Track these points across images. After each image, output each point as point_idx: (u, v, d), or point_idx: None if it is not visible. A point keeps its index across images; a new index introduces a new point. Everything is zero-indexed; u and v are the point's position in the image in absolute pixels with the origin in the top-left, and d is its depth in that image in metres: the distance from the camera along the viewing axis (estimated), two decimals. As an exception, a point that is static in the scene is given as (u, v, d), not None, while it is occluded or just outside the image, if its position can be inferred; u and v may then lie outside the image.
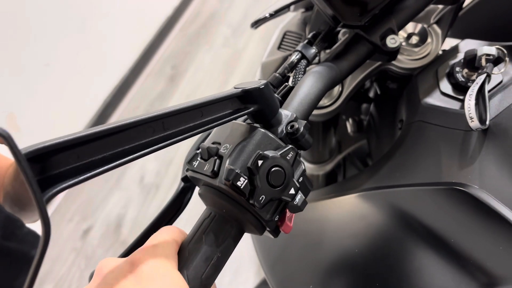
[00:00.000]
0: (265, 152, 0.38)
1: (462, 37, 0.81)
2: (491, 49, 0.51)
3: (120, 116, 2.33)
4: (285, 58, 0.71)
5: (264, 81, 0.40)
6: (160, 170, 2.03)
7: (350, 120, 0.90)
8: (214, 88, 2.32)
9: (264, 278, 0.77)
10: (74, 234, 1.89)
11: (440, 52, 0.66)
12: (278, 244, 0.60)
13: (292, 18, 0.80)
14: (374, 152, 0.82)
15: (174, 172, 2.02)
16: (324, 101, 0.65)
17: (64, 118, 2.07)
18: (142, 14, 2.51)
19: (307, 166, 0.90)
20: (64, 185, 0.30)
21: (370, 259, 0.50)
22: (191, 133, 0.37)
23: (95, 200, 1.98)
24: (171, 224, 0.49)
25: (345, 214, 0.56)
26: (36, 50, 1.86)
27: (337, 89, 0.65)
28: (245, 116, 0.41)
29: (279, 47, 0.74)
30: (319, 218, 0.58)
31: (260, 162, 0.37)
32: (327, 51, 0.63)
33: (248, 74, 2.35)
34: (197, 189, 0.46)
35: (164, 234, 0.40)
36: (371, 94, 0.82)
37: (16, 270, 0.67)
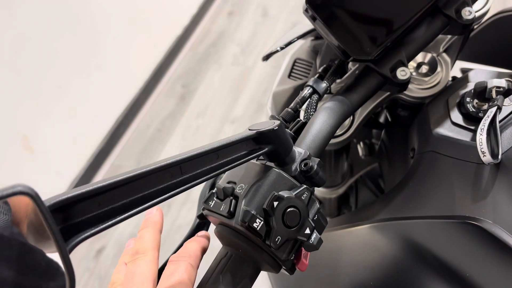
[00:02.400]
0: (280, 193, 0.39)
1: (470, 60, 0.81)
2: (501, 82, 0.51)
3: (132, 135, 2.36)
4: (296, 88, 0.72)
5: (277, 122, 0.41)
6: (172, 189, 2.04)
7: (361, 143, 0.91)
8: (224, 106, 2.33)
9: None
10: (87, 254, 1.90)
11: (450, 79, 0.66)
12: (293, 276, 0.60)
13: (301, 45, 0.81)
14: (386, 177, 0.82)
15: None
16: (335, 131, 0.66)
17: (76, 139, 2.10)
18: (152, 34, 2.55)
19: (320, 191, 0.90)
20: (86, 234, 0.31)
21: (385, 292, 0.50)
22: (208, 176, 0.38)
23: (108, 220, 1.99)
24: None
25: (359, 245, 0.56)
26: (48, 72, 1.90)
27: (348, 119, 0.65)
28: (259, 155, 0.42)
29: (289, 75, 0.75)
30: (333, 249, 0.58)
31: (275, 203, 0.38)
32: (338, 81, 0.64)
33: (257, 92, 2.37)
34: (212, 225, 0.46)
35: (180, 271, 0.41)
36: (382, 120, 0.83)
37: None
